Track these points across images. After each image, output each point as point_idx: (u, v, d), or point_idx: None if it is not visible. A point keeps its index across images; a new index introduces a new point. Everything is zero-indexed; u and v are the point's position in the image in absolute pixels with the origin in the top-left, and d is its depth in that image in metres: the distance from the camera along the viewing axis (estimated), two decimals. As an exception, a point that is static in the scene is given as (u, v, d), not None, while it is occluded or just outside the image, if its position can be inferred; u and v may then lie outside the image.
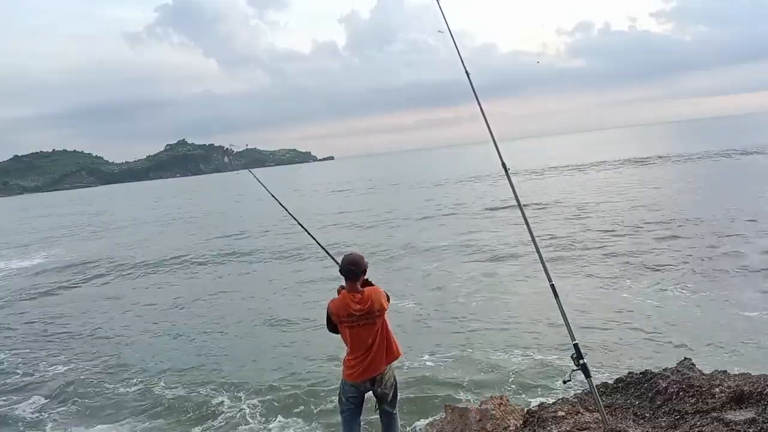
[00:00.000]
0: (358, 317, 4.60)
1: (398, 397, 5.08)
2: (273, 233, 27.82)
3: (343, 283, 4.76)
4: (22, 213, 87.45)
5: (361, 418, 4.99)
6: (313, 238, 5.68)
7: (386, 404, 4.92)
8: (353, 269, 4.62)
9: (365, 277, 4.75)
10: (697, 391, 4.33)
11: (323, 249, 5.48)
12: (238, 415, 8.24)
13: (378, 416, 5.06)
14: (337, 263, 4.81)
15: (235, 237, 28.70)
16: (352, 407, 4.84)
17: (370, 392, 4.88)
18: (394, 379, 4.95)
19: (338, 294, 4.82)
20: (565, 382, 4.43)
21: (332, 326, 4.78)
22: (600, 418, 4.11)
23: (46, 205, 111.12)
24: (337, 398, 4.99)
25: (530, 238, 4.29)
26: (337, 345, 6.57)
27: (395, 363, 4.98)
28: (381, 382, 4.77)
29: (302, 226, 5.91)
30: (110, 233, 38.40)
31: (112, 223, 46.71)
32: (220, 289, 17.16)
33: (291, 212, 6.02)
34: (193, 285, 18.33)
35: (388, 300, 4.85)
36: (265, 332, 12.22)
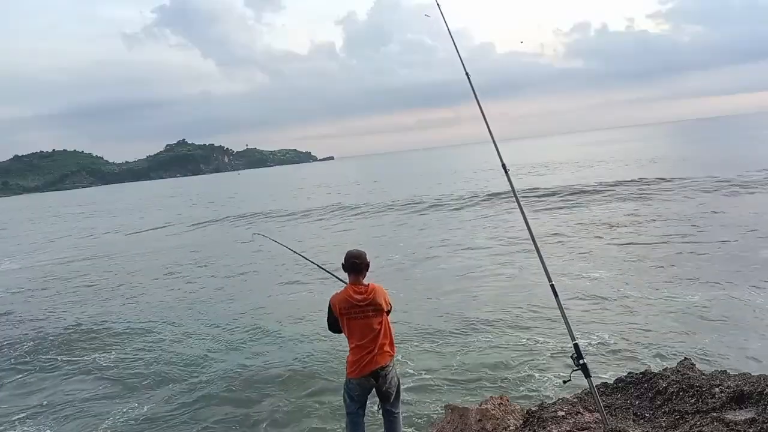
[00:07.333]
0: (361, 308, 4.64)
1: (401, 398, 5.09)
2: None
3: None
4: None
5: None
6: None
7: (389, 404, 4.93)
8: (357, 262, 4.72)
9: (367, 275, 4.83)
10: (697, 391, 4.34)
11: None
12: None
13: (381, 417, 5.07)
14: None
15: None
16: (358, 406, 4.85)
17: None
18: (398, 378, 4.97)
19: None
20: (565, 382, 4.43)
21: (333, 322, 4.83)
22: (600, 418, 4.12)
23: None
24: (342, 399, 4.97)
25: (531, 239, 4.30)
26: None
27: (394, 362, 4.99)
28: (386, 378, 4.77)
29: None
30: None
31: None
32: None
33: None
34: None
35: (390, 306, 4.89)
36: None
